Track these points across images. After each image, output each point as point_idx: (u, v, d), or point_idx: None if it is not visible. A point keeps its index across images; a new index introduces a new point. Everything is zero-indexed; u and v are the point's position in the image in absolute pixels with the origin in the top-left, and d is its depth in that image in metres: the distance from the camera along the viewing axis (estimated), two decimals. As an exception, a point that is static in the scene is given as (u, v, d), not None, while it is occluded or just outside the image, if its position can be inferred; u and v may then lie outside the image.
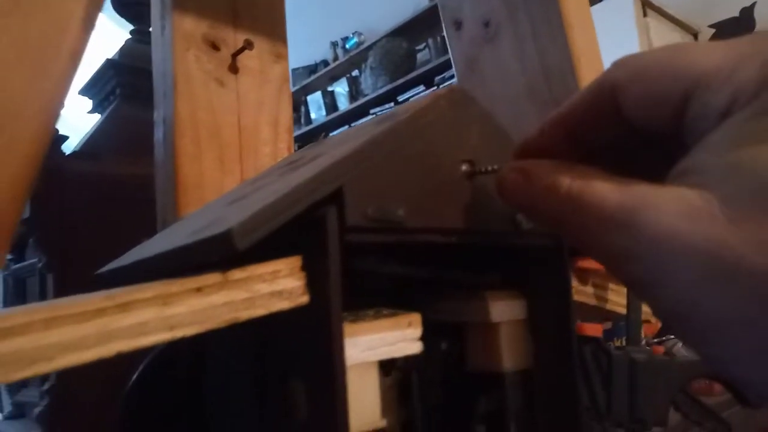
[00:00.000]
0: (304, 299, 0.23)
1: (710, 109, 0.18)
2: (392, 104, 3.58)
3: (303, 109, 4.23)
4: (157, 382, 0.30)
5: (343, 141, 0.32)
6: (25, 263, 0.80)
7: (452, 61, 0.56)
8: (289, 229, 0.23)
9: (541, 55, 0.47)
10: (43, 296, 0.75)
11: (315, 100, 4.12)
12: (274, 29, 0.53)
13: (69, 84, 0.31)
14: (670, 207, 0.17)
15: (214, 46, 0.49)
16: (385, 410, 0.32)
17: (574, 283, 0.38)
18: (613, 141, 0.23)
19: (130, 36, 0.96)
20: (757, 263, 0.15)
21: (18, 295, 0.84)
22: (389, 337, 0.27)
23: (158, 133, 0.49)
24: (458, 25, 0.54)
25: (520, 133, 0.30)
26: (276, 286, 0.22)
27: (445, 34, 0.57)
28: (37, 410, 0.71)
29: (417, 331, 0.29)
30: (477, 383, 0.33)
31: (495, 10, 0.50)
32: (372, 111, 3.70)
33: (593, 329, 0.36)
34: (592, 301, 0.40)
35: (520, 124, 0.49)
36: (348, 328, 0.25)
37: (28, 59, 0.31)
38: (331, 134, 3.97)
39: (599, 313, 0.42)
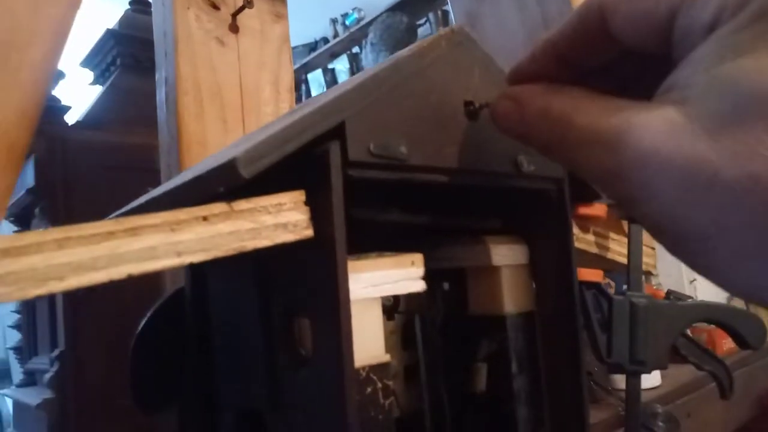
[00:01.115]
0: (309, 232, 0.24)
1: (696, 24, 0.18)
2: (393, 80, 3.54)
3: (303, 87, 4.21)
4: (165, 323, 0.31)
5: (346, 83, 0.32)
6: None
7: (452, 17, 0.56)
8: (293, 164, 0.23)
9: (541, 6, 0.47)
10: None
11: (315, 78, 4.09)
12: (274, -12, 0.53)
13: (72, 17, 0.31)
14: (652, 125, 0.17)
15: (214, 6, 0.49)
16: (389, 353, 0.33)
17: (575, 230, 0.39)
18: (605, 63, 0.23)
19: (129, 7, 0.95)
20: (732, 174, 0.15)
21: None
22: (392, 274, 0.28)
23: (160, 94, 0.49)
24: (459, -20, 0.54)
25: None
26: (281, 219, 0.23)
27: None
28: (47, 376, 0.72)
29: (420, 269, 0.29)
30: (479, 326, 0.34)
31: (496, -36, 0.50)
32: (373, 87, 3.65)
33: (594, 274, 0.37)
34: (593, 249, 0.41)
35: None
36: (351, 264, 0.26)
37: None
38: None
39: (600, 263, 0.42)
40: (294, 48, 4.28)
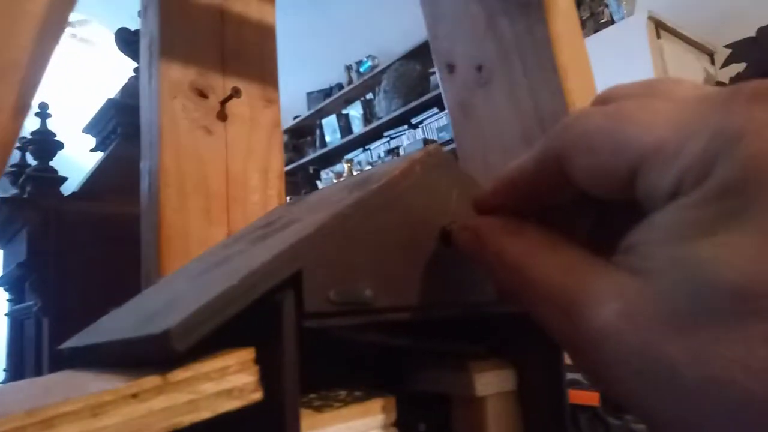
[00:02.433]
0: (257, 396, 0.21)
1: (657, 189, 0.17)
2: (406, 126, 3.58)
3: (318, 132, 4.26)
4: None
5: (317, 205, 0.30)
6: (23, 305, 0.79)
7: (446, 106, 0.54)
8: (243, 316, 0.21)
9: (535, 101, 0.45)
10: (38, 339, 0.74)
11: (330, 123, 4.16)
12: (265, 74, 0.52)
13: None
14: (608, 302, 0.16)
15: (202, 94, 0.48)
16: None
17: (570, 346, 0.36)
18: (566, 202, 0.22)
19: (133, 74, 0.96)
20: (691, 374, 0.14)
21: (16, 336, 0.83)
22: (359, 425, 0.26)
23: (144, 184, 0.48)
24: (451, 68, 0.52)
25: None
26: (224, 384, 0.21)
27: (438, 77, 0.56)
28: None
29: (389, 417, 0.27)
30: (463, 461, 0.31)
31: (487, 54, 0.49)
32: (386, 134, 3.71)
33: (590, 398, 0.34)
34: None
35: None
36: (310, 419, 0.23)
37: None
38: (344, 157, 3.97)
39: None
40: (310, 93, 4.37)
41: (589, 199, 0.21)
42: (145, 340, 0.20)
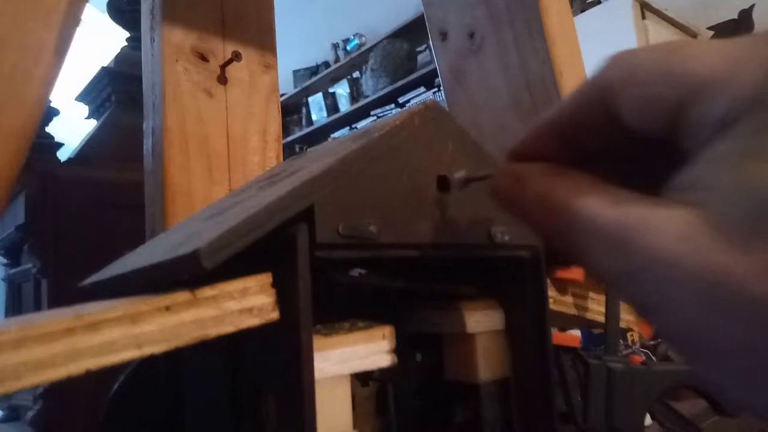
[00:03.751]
0: (274, 315, 0.24)
1: (708, 119, 0.17)
2: (393, 105, 3.58)
3: (304, 110, 4.24)
4: (137, 390, 0.31)
5: (321, 156, 0.32)
6: (21, 268, 0.80)
7: (438, 72, 0.57)
8: (261, 246, 0.23)
9: (524, 67, 0.47)
10: (37, 302, 0.75)
11: (316, 101, 4.13)
12: (263, 40, 0.53)
13: (42, 109, 0.31)
14: (668, 229, 0.16)
15: (203, 58, 0.50)
16: (363, 420, 0.33)
17: (553, 293, 0.39)
18: (607, 145, 0.21)
19: (126, 43, 0.96)
20: (760, 291, 0.14)
21: (14, 300, 0.85)
22: (362, 350, 0.28)
23: (147, 144, 0.49)
24: (444, 35, 0.54)
25: (505, 143, 0.31)
26: (246, 303, 0.23)
27: (431, 44, 0.58)
28: (30, 414, 0.72)
29: (390, 343, 0.29)
30: (453, 393, 0.34)
31: (479, 22, 0.51)
32: (372, 112, 3.70)
33: (571, 339, 0.37)
34: (572, 311, 0.41)
35: (504, 134, 0.49)
36: (319, 342, 0.26)
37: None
38: (331, 135, 3.97)
39: (580, 322, 0.42)
40: (296, 71, 4.33)
41: (625, 147, 0.21)
42: (175, 260, 0.22)
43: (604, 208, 0.18)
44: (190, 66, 0.49)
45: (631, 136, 0.20)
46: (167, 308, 0.21)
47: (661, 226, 0.16)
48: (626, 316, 0.48)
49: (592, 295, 0.43)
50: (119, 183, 0.78)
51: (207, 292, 0.22)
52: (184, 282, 0.22)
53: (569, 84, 0.45)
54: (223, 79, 0.51)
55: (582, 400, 0.36)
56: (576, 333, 0.37)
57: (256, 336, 0.26)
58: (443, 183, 0.30)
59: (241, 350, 0.27)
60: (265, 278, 0.24)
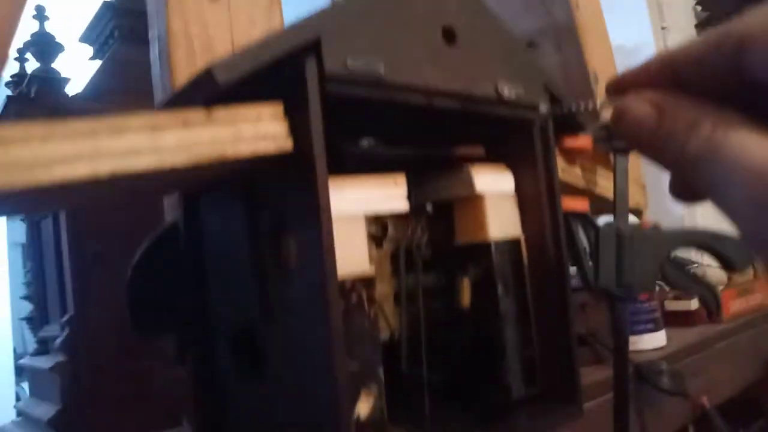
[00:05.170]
0: (288, 144, 0.24)
1: None
2: None
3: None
4: (162, 251, 0.32)
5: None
6: (38, 205, 0.82)
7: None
8: (271, 78, 0.24)
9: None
10: (57, 237, 0.77)
11: None
12: (263, -55, 0.53)
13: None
14: None
15: (204, -38, 0.50)
16: (380, 279, 0.34)
17: (562, 162, 0.39)
18: (722, 91, 0.20)
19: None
20: None
21: (34, 240, 0.87)
22: (376, 193, 0.29)
23: (153, 51, 0.50)
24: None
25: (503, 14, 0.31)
26: (260, 129, 0.24)
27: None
28: (58, 340, 0.74)
29: (402, 189, 0.30)
30: (465, 254, 0.35)
31: None
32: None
33: (581, 204, 0.37)
34: (581, 183, 0.41)
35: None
36: (333, 181, 0.26)
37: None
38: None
39: (589, 199, 0.43)
40: None
41: (742, 94, 0.20)
42: (191, 82, 0.23)
43: (756, 140, 0.18)
44: (192, -30, 0.49)
45: (748, 87, 0.19)
46: (184, 123, 0.22)
47: None
48: (636, 198, 0.48)
49: (600, 171, 0.44)
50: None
51: (221, 113, 0.23)
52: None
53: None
54: (225, -16, 0.51)
55: (593, 263, 0.37)
56: (584, 199, 0.38)
57: (273, 176, 0.27)
58: (449, 33, 0.30)
59: (259, 195, 0.28)
60: (277, 107, 0.24)
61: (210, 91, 0.22)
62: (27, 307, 0.93)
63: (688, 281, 0.38)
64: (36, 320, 0.90)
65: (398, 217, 0.35)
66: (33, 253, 0.89)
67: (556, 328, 0.35)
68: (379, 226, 0.34)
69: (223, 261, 0.31)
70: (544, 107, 0.34)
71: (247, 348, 0.30)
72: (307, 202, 0.24)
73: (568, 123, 0.37)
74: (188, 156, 0.22)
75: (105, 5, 0.89)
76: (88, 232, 0.71)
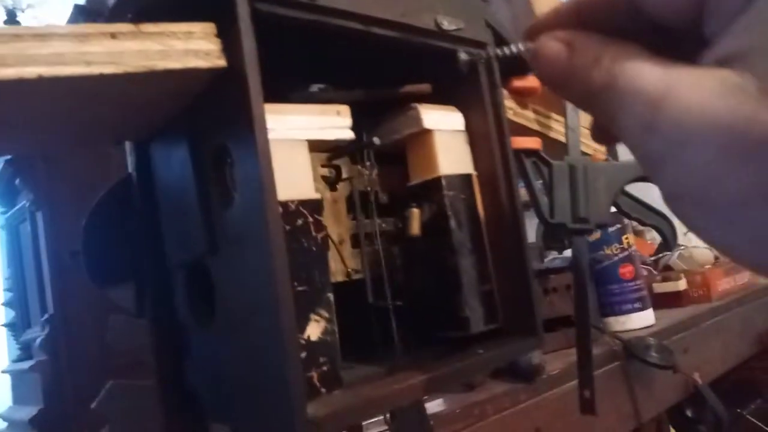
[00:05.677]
0: (222, 62, 0.25)
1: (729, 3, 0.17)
2: None
3: None
4: (115, 202, 0.32)
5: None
6: (16, 208, 0.82)
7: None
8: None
9: None
10: (35, 239, 0.77)
11: None
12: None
13: None
14: (703, 83, 0.17)
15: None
16: (336, 221, 0.35)
17: (512, 104, 0.40)
18: (625, 33, 0.21)
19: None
20: None
21: (13, 245, 0.86)
22: (318, 120, 0.29)
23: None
24: None
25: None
26: (191, 45, 0.24)
27: None
28: (39, 339, 0.74)
29: (346, 119, 0.30)
30: (419, 193, 0.35)
31: None
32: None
33: (533, 142, 0.38)
34: (534, 126, 0.42)
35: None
36: (272, 106, 0.27)
37: None
38: None
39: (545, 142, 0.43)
40: None
41: (645, 34, 0.21)
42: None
43: (647, 69, 0.19)
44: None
45: (648, 26, 0.20)
46: (112, 35, 0.22)
47: (697, 81, 0.17)
48: (588, 140, 0.49)
49: (554, 116, 0.45)
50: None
51: (150, 28, 0.23)
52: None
53: None
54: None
55: (548, 198, 0.38)
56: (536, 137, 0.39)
57: (215, 108, 0.27)
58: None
59: (202, 126, 0.28)
60: (209, 27, 0.25)
61: (140, 6, 0.23)
62: (9, 314, 0.93)
63: (644, 210, 0.38)
64: (18, 326, 0.89)
65: (352, 161, 0.36)
66: (12, 258, 0.89)
67: (513, 264, 0.35)
68: (332, 169, 0.35)
69: (174, 204, 0.31)
70: (489, 48, 0.35)
71: (200, 286, 0.30)
72: (242, 119, 0.24)
73: (515, 64, 0.38)
74: (116, 66, 0.22)
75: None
76: (66, 231, 0.71)
